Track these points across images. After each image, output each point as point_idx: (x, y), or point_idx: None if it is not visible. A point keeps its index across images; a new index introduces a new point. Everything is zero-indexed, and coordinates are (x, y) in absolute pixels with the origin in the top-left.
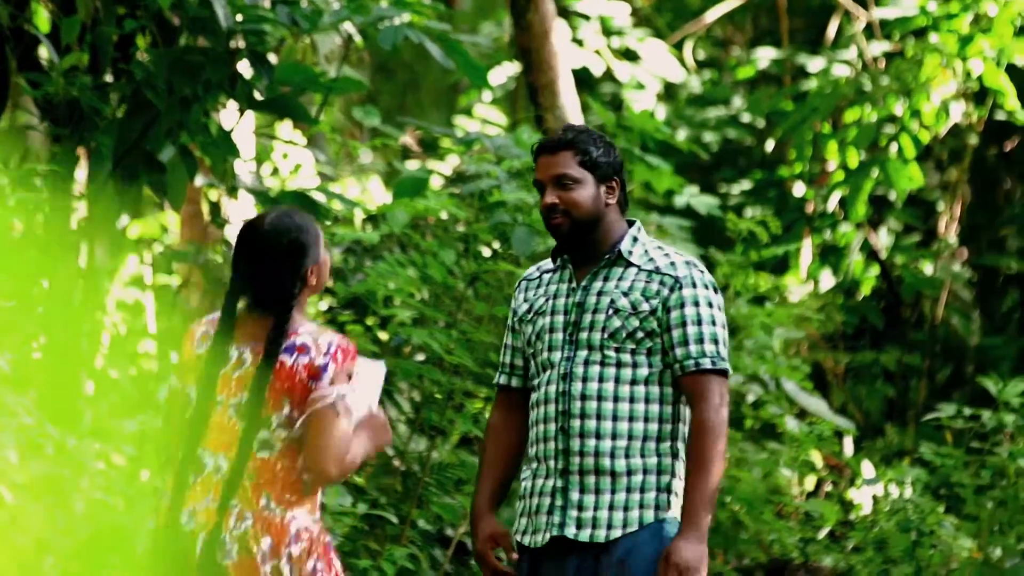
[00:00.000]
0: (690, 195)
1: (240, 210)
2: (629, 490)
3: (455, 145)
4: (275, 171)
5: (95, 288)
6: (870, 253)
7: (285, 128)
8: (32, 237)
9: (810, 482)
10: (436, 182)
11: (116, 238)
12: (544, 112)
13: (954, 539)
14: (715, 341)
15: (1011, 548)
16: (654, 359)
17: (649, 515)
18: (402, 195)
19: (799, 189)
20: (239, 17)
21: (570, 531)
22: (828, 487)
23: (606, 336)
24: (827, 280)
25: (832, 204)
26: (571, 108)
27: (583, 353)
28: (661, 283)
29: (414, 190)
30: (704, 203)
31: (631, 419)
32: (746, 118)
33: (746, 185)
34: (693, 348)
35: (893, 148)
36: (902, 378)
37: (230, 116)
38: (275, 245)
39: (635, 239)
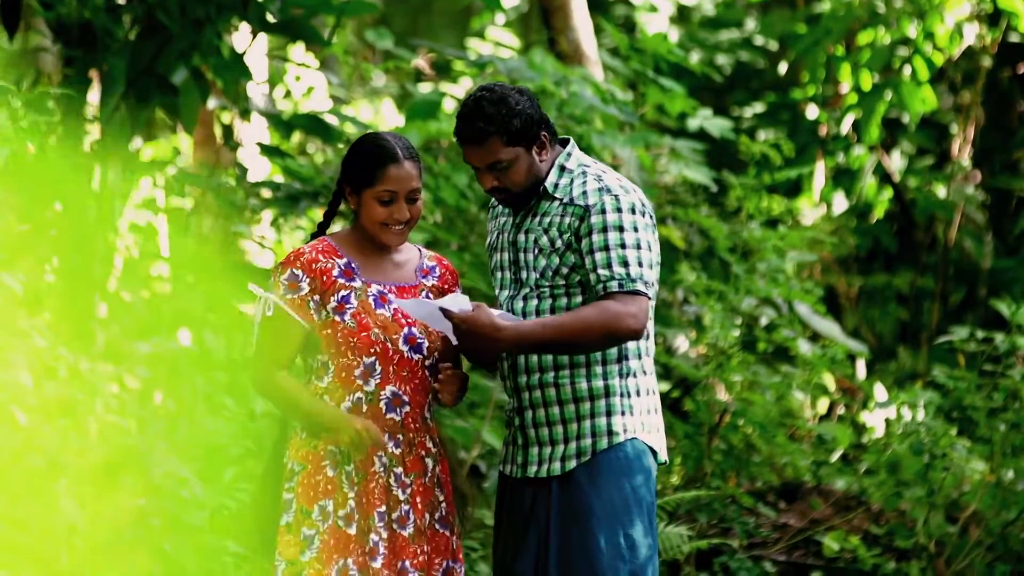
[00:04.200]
0: (703, 118)
1: (252, 133)
2: (580, 418)
3: (468, 68)
4: (288, 94)
5: (108, 211)
6: (883, 176)
7: (298, 51)
8: (45, 160)
9: (823, 405)
10: (449, 105)
11: (129, 161)
12: (557, 34)
13: (966, 462)
14: (624, 264)
15: (1023, 470)
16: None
17: (603, 442)
18: (415, 118)
19: (812, 112)
20: None
21: (531, 470)
22: (841, 410)
23: (538, 276)
24: (840, 203)
25: (845, 127)
26: (584, 30)
27: (524, 291)
28: (572, 215)
29: (427, 113)
30: (717, 126)
31: None
32: (759, 40)
33: (759, 108)
34: (602, 273)
35: (906, 70)
36: (915, 301)
37: (243, 38)
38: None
39: (562, 169)
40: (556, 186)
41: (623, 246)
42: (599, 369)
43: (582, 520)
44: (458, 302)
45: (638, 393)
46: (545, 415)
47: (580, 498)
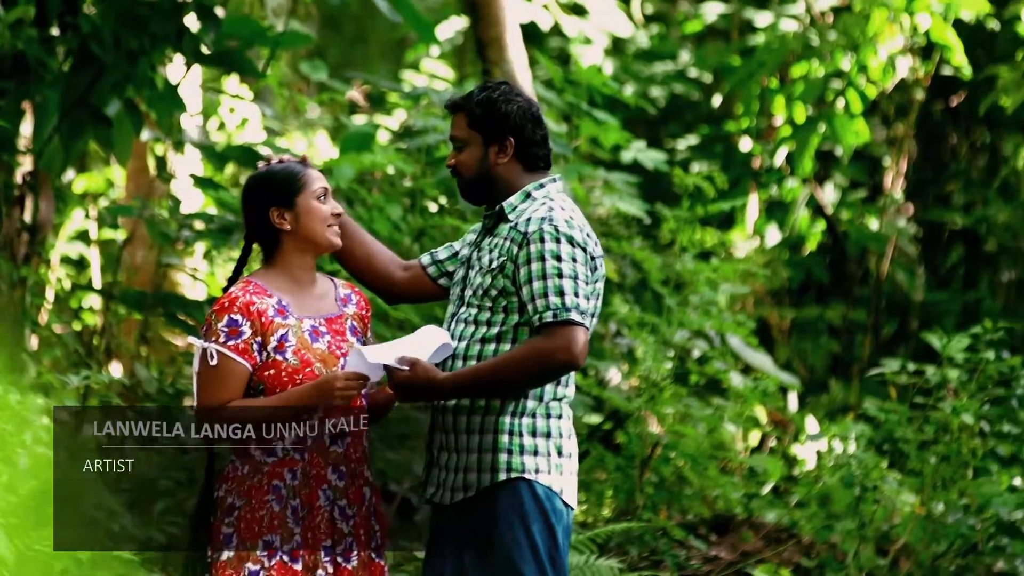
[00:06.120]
0: (637, 150)
1: (186, 165)
2: (469, 450)
3: (402, 100)
4: (222, 125)
5: (39, 242)
6: (816, 208)
7: (232, 82)
8: None
9: (754, 438)
10: (383, 137)
11: (61, 192)
12: (491, 67)
13: (897, 494)
14: (560, 293)
15: (953, 503)
16: (510, 317)
17: (486, 478)
18: (349, 150)
19: (746, 144)
20: None
21: (429, 491)
22: (772, 443)
23: (471, 293)
24: (773, 235)
25: (779, 159)
26: (518, 62)
27: (463, 309)
28: (512, 240)
29: (361, 145)
30: (651, 158)
31: None
32: (693, 73)
33: (693, 140)
34: (539, 303)
35: (840, 103)
36: (847, 333)
37: (177, 70)
38: (245, 188)
39: (527, 195)
40: (514, 209)
41: (560, 275)
42: (496, 404)
43: (473, 556)
44: (395, 353)
45: (534, 434)
46: (444, 440)
47: (474, 533)
